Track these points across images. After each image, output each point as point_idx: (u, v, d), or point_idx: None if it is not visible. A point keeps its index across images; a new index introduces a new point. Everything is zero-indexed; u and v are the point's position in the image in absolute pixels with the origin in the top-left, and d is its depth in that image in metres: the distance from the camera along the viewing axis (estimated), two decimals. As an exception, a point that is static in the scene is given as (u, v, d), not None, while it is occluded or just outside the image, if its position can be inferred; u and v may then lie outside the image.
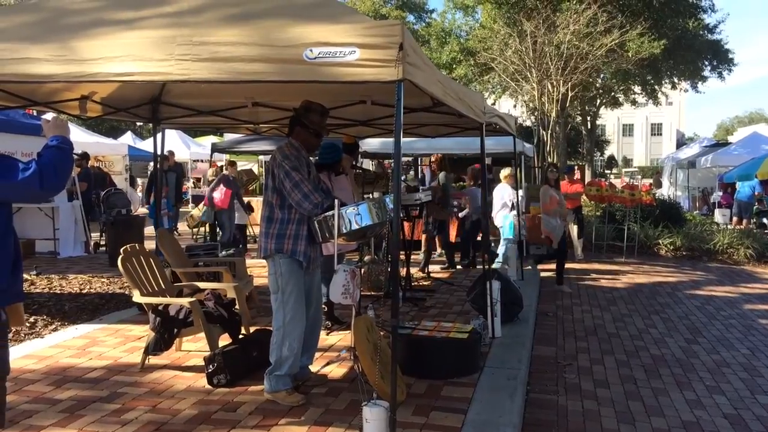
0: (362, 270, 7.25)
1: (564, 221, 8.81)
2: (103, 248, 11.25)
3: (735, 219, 16.72)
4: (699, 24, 23.18)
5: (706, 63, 25.24)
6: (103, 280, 8.60)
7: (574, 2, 19.00)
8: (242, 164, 20.68)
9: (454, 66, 24.44)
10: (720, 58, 25.06)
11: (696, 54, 23.78)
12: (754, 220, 16.31)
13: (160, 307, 4.79)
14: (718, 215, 17.96)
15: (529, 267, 9.56)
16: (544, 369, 5.53)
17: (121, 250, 4.95)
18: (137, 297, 4.93)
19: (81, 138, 15.22)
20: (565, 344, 6.35)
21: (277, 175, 4.09)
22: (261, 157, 18.66)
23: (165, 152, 11.50)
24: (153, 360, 4.93)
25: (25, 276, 8.47)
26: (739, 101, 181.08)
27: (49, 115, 2.92)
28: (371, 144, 12.28)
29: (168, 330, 4.72)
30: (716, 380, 5.32)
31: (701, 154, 22.28)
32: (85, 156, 11.88)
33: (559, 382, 5.21)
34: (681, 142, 63.66)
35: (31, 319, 6.35)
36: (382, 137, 10.08)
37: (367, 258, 8.32)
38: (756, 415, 4.57)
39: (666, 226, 13.13)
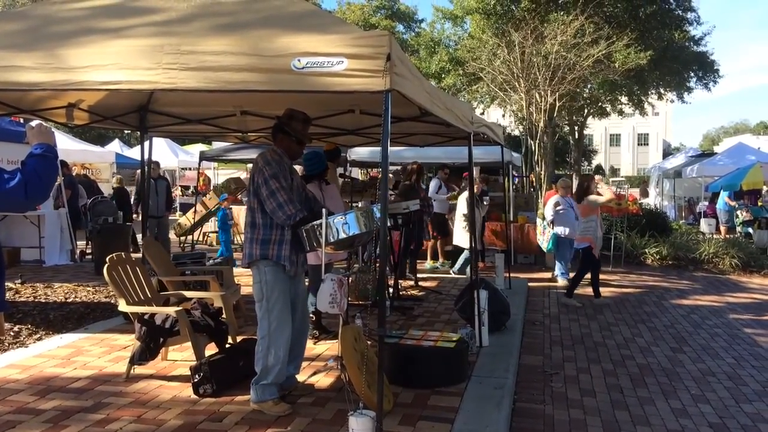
0: (349, 279, 7.24)
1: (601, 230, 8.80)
2: (89, 257, 11.17)
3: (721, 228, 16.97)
4: (685, 36, 23.44)
5: (692, 74, 25.50)
6: (88, 288, 8.53)
7: (562, 13, 19.19)
8: (230, 172, 20.67)
9: (443, 75, 24.54)
10: (706, 69, 25.32)
11: (682, 65, 24.02)
12: (740, 229, 16.46)
13: (146, 317, 4.76)
14: (704, 224, 18.12)
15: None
16: (531, 378, 5.54)
17: (107, 259, 4.92)
18: (123, 306, 4.90)
19: (68, 146, 15.14)
20: (552, 353, 6.37)
21: (256, 181, 4.10)
22: (249, 166, 18.63)
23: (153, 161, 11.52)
24: (138, 370, 4.89)
25: (10, 285, 8.40)
26: (724, 112, 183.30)
27: (33, 122, 2.91)
28: (360, 153, 12.31)
29: (154, 339, 4.69)
30: (701, 389, 5.36)
31: (687, 163, 22.48)
32: (63, 164, 11.78)
33: (545, 392, 5.22)
34: (667, 152, 64.31)
35: (16, 328, 6.29)
36: (371, 146, 10.11)
37: (355, 267, 8.32)
38: (741, 424, 4.60)
39: (652, 235, 13.22)
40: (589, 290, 9.67)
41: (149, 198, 10.34)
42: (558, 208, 9.89)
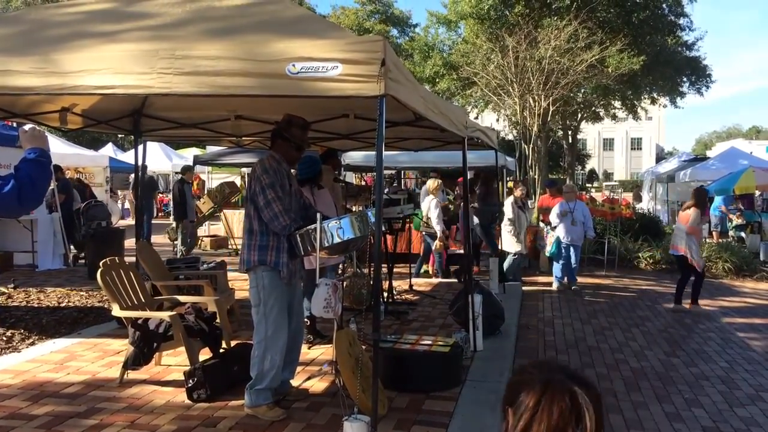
0: (344, 283, 7.24)
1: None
2: (83, 261, 11.13)
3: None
4: (677, 41, 23.61)
5: (685, 79, 25.65)
6: (81, 293, 8.50)
7: (555, 19, 19.30)
8: (224, 176, 20.64)
9: (437, 80, 24.62)
10: (698, 74, 25.48)
11: (675, 70, 24.17)
12: (732, 233, 16.52)
13: (139, 321, 4.74)
14: (697, 229, 18.15)
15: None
16: (526, 382, 5.54)
17: (101, 263, 4.91)
18: (116, 311, 4.89)
19: (61, 149, 15.06)
20: (546, 357, 6.37)
21: (253, 188, 4.10)
22: (243, 170, 18.63)
23: (184, 167, 11.59)
24: (132, 375, 4.87)
25: (2, 289, 8.36)
26: (717, 116, 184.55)
27: (27, 126, 2.90)
28: (354, 157, 12.32)
29: (147, 344, 4.67)
30: (695, 393, 5.37)
31: (680, 168, 22.54)
32: (57, 168, 11.74)
33: (540, 396, 5.21)
34: (660, 157, 64.55)
35: (8, 333, 6.26)
36: (366, 150, 10.12)
37: (349, 271, 8.32)
38: (734, 428, 4.62)
39: (645, 239, 13.26)
40: (583, 294, 9.70)
41: (143, 200, 10.35)
42: (558, 213, 9.93)
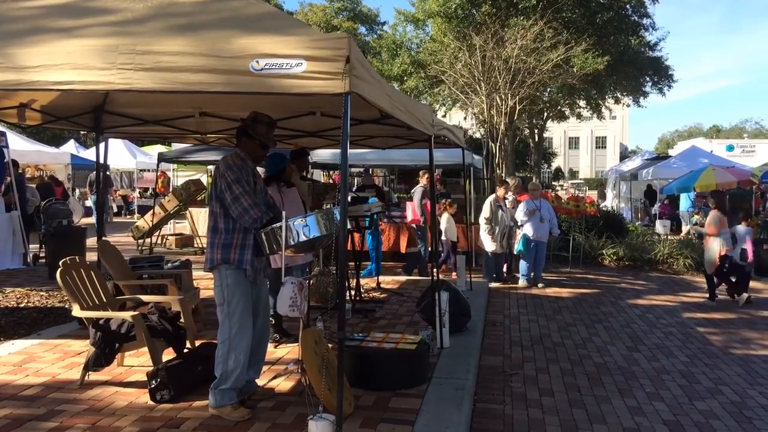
0: (310, 282, 7.21)
1: None
2: (43, 260, 10.87)
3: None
4: (640, 41, 24.07)
5: (648, 79, 26.14)
6: (41, 293, 8.31)
7: (522, 18, 19.49)
8: (190, 174, 20.37)
9: (405, 78, 24.67)
10: (660, 74, 26.01)
11: (638, 70, 24.63)
12: (693, 230, 16.90)
13: (100, 321, 4.65)
14: (659, 226, 18.54)
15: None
16: (491, 378, 5.60)
17: (61, 263, 4.81)
18: (77, 311, 4.79)
19: (21, 146, 14.75)
20: (512, 353, 6.44)
21: (219, 186, 4.06)
22: (209, 167, 18.43)
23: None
24: (93, 376, 4.78)
25: (-41, 290, 8.12)
26: (679, 116, 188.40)
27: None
28: (322, 155, 12.26)
29: (109, 345, 4.59)
30: (656, 387, 5.48)
31: (643, 166, 22.98)
32: (14, 164, 11.42)
33: (505, 392, 5.28)
34: (624, 155, 65.79)
35: (-36, 335, 6.09)
36: (333, 148, 10.08)
37: (315, 270, 8.27)
38: (694, 422, 4.72)
39: (609, 236, 13.48)
40: (548, 290, 9.83)
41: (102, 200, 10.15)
42: (526, 211, 10.04)
